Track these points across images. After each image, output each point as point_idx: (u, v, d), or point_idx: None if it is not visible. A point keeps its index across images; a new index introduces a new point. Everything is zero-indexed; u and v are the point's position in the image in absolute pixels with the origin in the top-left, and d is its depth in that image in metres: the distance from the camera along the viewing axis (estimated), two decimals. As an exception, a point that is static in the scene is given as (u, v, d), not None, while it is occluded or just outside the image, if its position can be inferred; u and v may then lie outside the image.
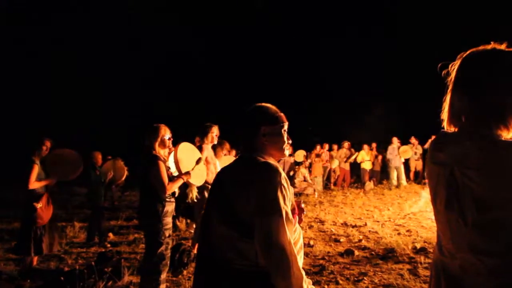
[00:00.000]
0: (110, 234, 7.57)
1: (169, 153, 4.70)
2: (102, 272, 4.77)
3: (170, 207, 4.26)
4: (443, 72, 1.65)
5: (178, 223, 8.11)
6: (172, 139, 4.47)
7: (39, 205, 5.31)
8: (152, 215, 4.13)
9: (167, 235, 4.19)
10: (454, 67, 1.61)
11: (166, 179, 4.16)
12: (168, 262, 4.28)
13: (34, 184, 5.31)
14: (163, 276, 4.19)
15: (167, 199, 4.21)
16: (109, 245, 6.85)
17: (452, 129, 1.62)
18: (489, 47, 1.53)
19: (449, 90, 1.62)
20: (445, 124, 1.65)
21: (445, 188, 1.50)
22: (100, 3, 30.27)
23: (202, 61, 32.12)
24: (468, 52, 1.58)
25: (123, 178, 7.97)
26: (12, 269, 5.60)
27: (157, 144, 4.29)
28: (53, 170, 5.59)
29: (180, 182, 4.41)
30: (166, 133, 4.35)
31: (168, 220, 4.23)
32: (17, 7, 27.59)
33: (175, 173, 4.56)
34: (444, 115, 1.65)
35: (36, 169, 5.33)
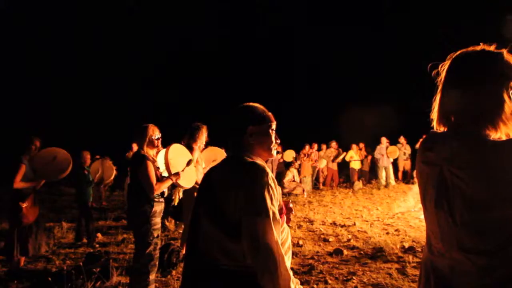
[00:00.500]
0: (99, 235, 7.51)
1: (157, 153, 4.69)
2: (90, 272, 4.73)
3: (158, 207, 4.25)
4: (433, 72, 1.66)
5: (167, 223, 8.08)
6: (161, 139, 4.45)
7: (24, 205, 5.27)
8: (141, 216, 4.12)
9: (155, 235, 4.17)
10: (444, 67, 1.62)
11: (154, 179, 4.16)
12: (157, 263, 4.27)
13: (19, 183, 5.27)
14: (152, 276, 4.18)
15: (156, 199, 4.21)
16: (97, 246, 6.81)
17: (441, 129, 1.63)
18: (478, 48, 1.55)
19: (439, 90, 1.63)
20: (434, 123, 1.66)
21: (435, 188, 1.51)
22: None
23: (198, 60, 32.07)
24: (458, 53, 1.60)
25: (112, 178, 7.93)
26: (-1, 270, 5.54)
27: (145, 144, 4.29)
28: (42, 169, 5.53)
29: (168, 182, 4.38)
30: (154, 133, 4.35)
31: (157, 220, 4.22)
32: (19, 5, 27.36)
33: (165, 173, 4.55)
34: (434, 114, 1.66)
35: (23, 169, 5.29)
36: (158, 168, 4.40)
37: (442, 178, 1.49)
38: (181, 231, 7.34)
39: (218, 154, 6.97)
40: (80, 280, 4.64)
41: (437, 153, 1.53)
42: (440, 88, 1.63)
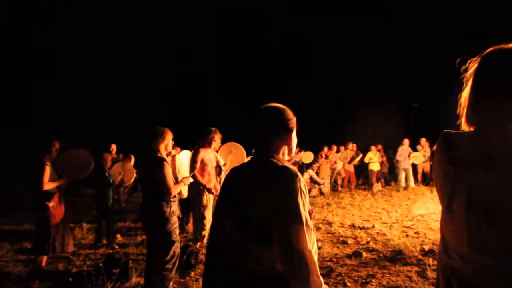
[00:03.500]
0: (118, 236, 7.59)
1: (169, 156, 4.86)
2: (110, 273, 4.78)
3: (174, 206, 4.39)
4: (462, 68, 1.61)
5: (185, 225, 8.13)
6: (173, 143, 4.60)
7: (51, 204, 5.46)
8: (160, 216, 4.22)
9: (177, 233, 4.33)
10: (474, 64, 1.57)
11: (172, 181, 4.28)
12: (177, 261, 4.37)
13: (48, 185, 5.42)
14: (173, 273, 4.33)
15: (171, 199, 4.33)
16: (117, 247, 6.87)
17: (466, 127, 1.58)
18: (510, 45, 1.50)
19: (469, 86, 1.57)
20: (462, 120, 1.60)
21: (467, 188, 1.45)
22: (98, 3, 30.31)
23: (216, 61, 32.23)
24: (490, 49, 1.54)
25: (132, 181, 8.01)
26: (21, 270, 5.64)
27: (162, 147, 4.39)
28: (64, 170, 5.68)
29: (181, 185, 4.58)
30: (170, 136, 4.47)
31: (175, 219, 4.36)
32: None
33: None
34: (462, 111, 1.61)
35: (47, 171, 5.45)
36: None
37: (474, 179, 1.43)
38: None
39: (233, 146, 7.13)
40: (100, 281, 4.70)
41: (467, 153, 1.48)
42: (470, 84, 1.57)
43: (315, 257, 1.94)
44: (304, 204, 1.75)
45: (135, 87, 30.23)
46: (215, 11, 32.00)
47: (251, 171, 1.94)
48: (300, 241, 1.66)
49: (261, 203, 1.74)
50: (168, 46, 31.70)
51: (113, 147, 9.68)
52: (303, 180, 1.80)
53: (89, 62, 27.19)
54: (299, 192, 1.74)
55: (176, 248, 4.29)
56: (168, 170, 4.24)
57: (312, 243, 1.87)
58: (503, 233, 1.38)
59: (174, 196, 4.42)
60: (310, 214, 1.96)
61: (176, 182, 4.50)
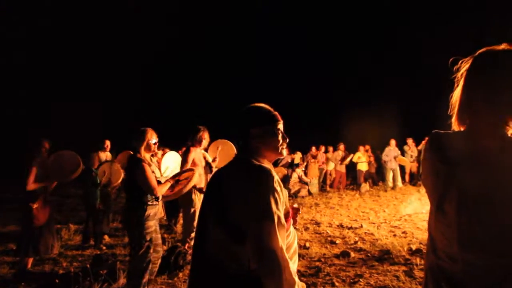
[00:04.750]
0: (106, 237, 7.53)
1: (162, 155, 4.81)
2: (97, 274, 4.75)
3: (152, 210, 4.32)
4: (454, 68, 1.62)
5: (173, 226, 8.10)
6: (157, 144, 4.55)
7: (35, 206, 5.35)
8: (134, 218, 4.21)
9: (148, 238, 4.24)
10: (465, 65, 1.58)
11: (153, 181, 4.22)
12: (150, 266, 4.31)
13: (32, 185, 5.33)
14: (145, 279, 4.24)
15: (150, 203, 4.27)
16: (104, 248, 6.82)
17: (457, 127, 1.60)
18: (501, 47, 1.51)
19: (460, 86, 1.59)
20: (453, 120, 1.62)
21: (458, 187, 1.46)
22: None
23: (204, 60, 32.15)
24: (481, 50, 1.55)
25: (119, 181, 7.94)
26: (6, 272, 5.57)
27: (142, 148, 4.37)
28: (52, 171, 5.61)
29: (167, 185, 4.48)
30: (152, 138, 4.42)
31: (150, 223, 4.28)
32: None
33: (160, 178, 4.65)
34: (453, 111, 1.62)
35: (34, 171, 5.36)
36: (153, 172, 4.46)
37: (465, 178, 1.45)
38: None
39: (221, 143, 7.14)
40: (87, 282, 4.66)
41: (458, 153, 1.50)
42: (462, 84, 1.58)
43: (295, 257, 1.95)
44: (278, 203, 1.76)
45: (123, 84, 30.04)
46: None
47: (230, 171, 1.96)
48: (271, 239, 1.67)
49: (237, 202, 1.76)
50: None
51: (107, 143, 9.48)
52: (277, 178, 1.82)
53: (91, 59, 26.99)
54: (272, 191, 1.75)
55: (146, 253, 4.21)
56: (148, 171, 4.19)
57: (289, 241, 1.89)
58: (494, 232, 1.39)
59: (157, 199, 4.38)
60: (290, 212, 1.97)
61: (160, 182, 4.42)
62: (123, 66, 29.20)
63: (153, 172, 4.38)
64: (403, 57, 25.05)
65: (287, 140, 2.08)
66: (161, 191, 4.33)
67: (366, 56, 28.20)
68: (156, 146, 4.50)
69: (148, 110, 27.40)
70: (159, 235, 4.59)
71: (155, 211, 4.37)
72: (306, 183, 13.71)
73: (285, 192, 1.91)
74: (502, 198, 1.38)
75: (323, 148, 15.55)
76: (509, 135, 1.47)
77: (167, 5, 30.92)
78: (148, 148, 4.41)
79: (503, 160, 1.40)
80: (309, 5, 33.04)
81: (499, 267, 1.37)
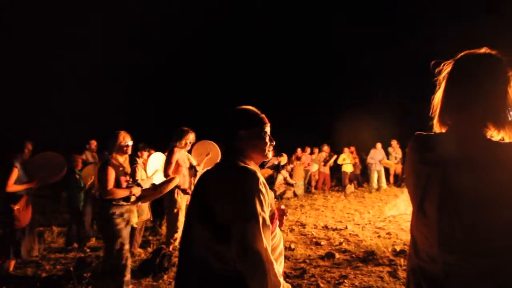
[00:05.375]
0: (93, 239, 7.46)
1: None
2: (80, 277, 4.70)
3: (118, 210, 4.36)
4: (436, 70, 1.65)
5: (158, 228, 8.06)
6: (130, 146, 4.60)
7: (16, 207, 5.27)
8: (104, 218, 4.30)
9: (119, 236, 4.29)
10: (447, 67, 1.61)
11: (111, 184, 4.31)
12: (128, 263, 4.36)
13: (12, 187, 5.26)
14: (127, 277, 4.32)
15: (115, 202, 4.34)
16: (88, 250, 6.76)
17: (438, 129, 1.62)
18: (481, 51, 1.55)
19: (442, 88, 1.62)
20: (435, 121, 1.64)
21: (439, 188, 1.49)
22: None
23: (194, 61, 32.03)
24: (463, 54, 1.59)
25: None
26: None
27: (115, 150, 4.46)
28: (35, 173, 5.53)
29: (126, 192, 4.47)
30: (125, 140, 4.50)
31: (118, 221, 4.33)
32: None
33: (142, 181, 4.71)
34: (435, 113, 1.65)
35: (15, 172, 5.28)
36: (125, 174, 4.53)
37: (447, 178, 1.47)
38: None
39: (210, 147, 7.11)
40: (70, 285, 4.62)
41: (440, 153, 1.52)
42: (443, 86, 1.61)
43: (281, 258, 1.96)
44: (263, 204, 1.76)
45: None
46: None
47: (216, 172, 1.97)
48: (255, 240, 1.67)
49: (223, 203, 1.77)
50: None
51: (93, 143, 9.28)
52: (262, 180, 1.83)
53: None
54: (257, 192, 1.76)
55: (120, 250, 4.26)
56: (110, 174, 4.31)
57: (275, 242, 1.89)
58: (473, 233, 1.41)
59: (125, 200, 4.43)
60: (276, 213, 1.98)
61: (128, 187, 4.49)
62: (113, 66, 28.94)
63: (125, 174, 4.49)
64: (389, 59, 25.26)
65: (274, 143, 2.09)
66: (118, 194, 4.36)
67: (352, 58, 28.36)
68: (129, 148, 4.57)
69: (136, 111, 27.22)
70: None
71: (122, 211, 4.40)
72: (291, 185, 13.75)
73: (271, 193, 1.92)
74: (482, 199, 1.40)
75: (308, 150, 15.60)
76: (489, 137, 1.50)
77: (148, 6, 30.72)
78: (121, 150, 4.49)
79: (483, 161, 1.42)
80: (290, 5, 33.12)
81: (478, 268, 1.39)
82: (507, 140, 1.49)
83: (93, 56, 27.07)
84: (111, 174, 4.31)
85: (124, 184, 4.45)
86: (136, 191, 4.60)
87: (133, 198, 4.55)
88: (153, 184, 5.53)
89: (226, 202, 1.75)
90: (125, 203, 4.42)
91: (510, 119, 1.49)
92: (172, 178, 5.35)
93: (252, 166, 1.93)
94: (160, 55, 32.24)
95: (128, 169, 4.64)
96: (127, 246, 4.35)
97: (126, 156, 4.62)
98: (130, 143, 4.56)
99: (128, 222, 4.45)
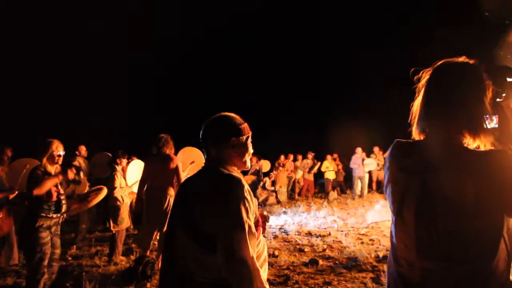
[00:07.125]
0: (74, 247, 7.36)
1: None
2: (63, 286, 4.63)
3: (46, 222, 4.31)
4: (415, 78, 1.68)
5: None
6: (62, 156, 4.55)
7: None
8: (27, 229, 4.27)
9: (39, 249, 4.22)
10: (426, 75, 1.64)
11: (21, 189, 4.48)
12: (45, 276, 4.31)
13: None
14: None
15: (44, 214, 4.28)
16: (70, 259, 6.66)
17: (416, 136, 1.64)
18: (460, 59, 1.58)
19: (420, 96, 1.64)
20: (413, 129, 1.66)
21: (416, 195, 1.50)
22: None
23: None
24: (441, 62, 1.61)
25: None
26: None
27: (45, 159, 4.41)
28: (15, 180, 5.43)
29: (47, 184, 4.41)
30: (57, 150, 4.46)
31: (43, 234, 4.27)
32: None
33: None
34: (413, 120, 1.67)
35: None
36: (60, 183, 4.52)
37: (424, 186, 1.49)
38: (156, 243, 7.26)
39: (196, 155, 7.07)
40: (52, 294, 4.54)
41: (418, 161, 1.53)
42: (422, 94, 1.63)
43: (265, 265, 1.96)
44: (248, 212, 1.77)
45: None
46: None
47: (199, 180, 1.96)
48: (242, 248, 1.67)
49: (207, 211, 1.76)
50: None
51: (83, 148, 9.10)
52: (247, 187, 1.83)
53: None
54: (243, 200, 1.76)
55: (38, 263, 4.20)
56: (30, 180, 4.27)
57: (259, 250, 1.90)
58: (450, 239, 1.43)
59: (56, 212, 4.39)
60: (260, 220, 1.98)
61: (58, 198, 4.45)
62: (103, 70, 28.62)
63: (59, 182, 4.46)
64: (371, 68, 25.49)
65: (252, 151, 2.10)
66: (39, 190, 4.25)
67: (335, 66, 28.53)
68: (60, 158, 4.52)
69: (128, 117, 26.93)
70: (58, 250, 4.56)
71: (49, 224, 4.35)
72: (273, 191, 13.79)
73: (255, 200, 1.92)
74: (458, 207, 1.42)
75: (291, 157, 15.66)
76: (465, 145, 1.53)
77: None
78: (52, 160, 4.44)
79: (459, 169, 1.45)
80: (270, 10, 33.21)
81: (456, 274, 1.41)
82: (482, 148, 1.52)
83: (94, 56, 26.79)
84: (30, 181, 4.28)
85: (55, 194, 4.38)
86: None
87: (64, 208, 4.51)
88: (78, 195, 5.50)
89: (212, 209, 1.74)
90: (54, 215, 4.37)
91: (485, 127, 1.53)
92: (101, 189, 5.29)
93: (236, 173, 1.93)
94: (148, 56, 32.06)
95: (60, 179, 4.55)
96: (45, 262, 4.27)
97: (57, 165, 4.55)
98: (62, 153, 4.52)
99: (55, 235, 4.43)
